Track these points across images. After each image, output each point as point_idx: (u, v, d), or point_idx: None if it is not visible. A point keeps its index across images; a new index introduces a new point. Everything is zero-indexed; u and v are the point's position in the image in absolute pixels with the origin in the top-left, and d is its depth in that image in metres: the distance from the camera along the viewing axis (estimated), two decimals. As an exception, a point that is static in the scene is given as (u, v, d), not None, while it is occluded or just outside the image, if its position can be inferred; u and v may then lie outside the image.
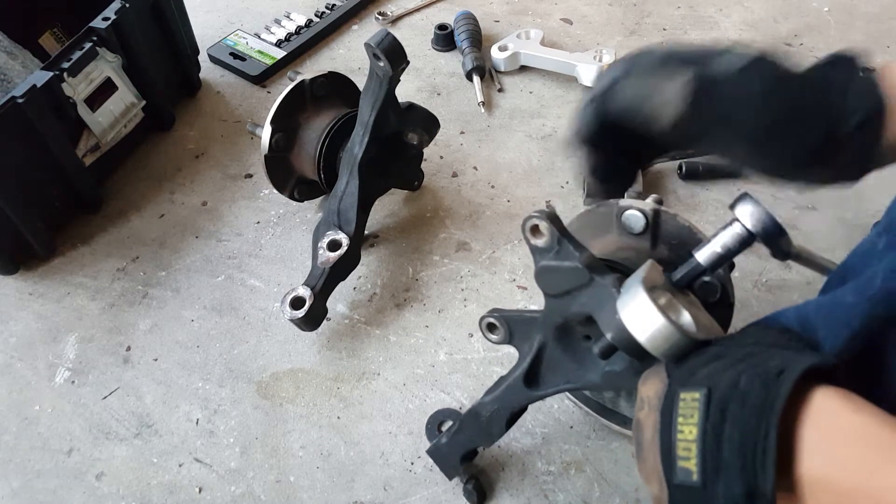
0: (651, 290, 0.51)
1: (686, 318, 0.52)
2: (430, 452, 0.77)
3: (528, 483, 0.78)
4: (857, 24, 1.35)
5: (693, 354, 0.50)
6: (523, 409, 0.72)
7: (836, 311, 0.57)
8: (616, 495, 0.77)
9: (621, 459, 0.79)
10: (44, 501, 0.78)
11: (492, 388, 0.71)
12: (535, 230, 0.60)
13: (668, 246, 0.69)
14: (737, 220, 0.52)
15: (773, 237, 0.52)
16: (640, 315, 0.50)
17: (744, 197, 0.53)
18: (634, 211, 0.69)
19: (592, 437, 0.81)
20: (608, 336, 0.54)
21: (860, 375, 0.54)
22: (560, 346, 0.65)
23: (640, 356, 0.52)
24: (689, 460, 0.44)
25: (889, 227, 0.56)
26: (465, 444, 0.74)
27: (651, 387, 0.52)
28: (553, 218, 0.59)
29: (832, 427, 0.42)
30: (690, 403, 0.45)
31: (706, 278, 0.64)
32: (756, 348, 0.49)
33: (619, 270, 0.64)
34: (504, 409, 0.70)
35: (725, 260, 0.54)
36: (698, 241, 0.66)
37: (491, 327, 0.71)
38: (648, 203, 0.69)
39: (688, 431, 0.45)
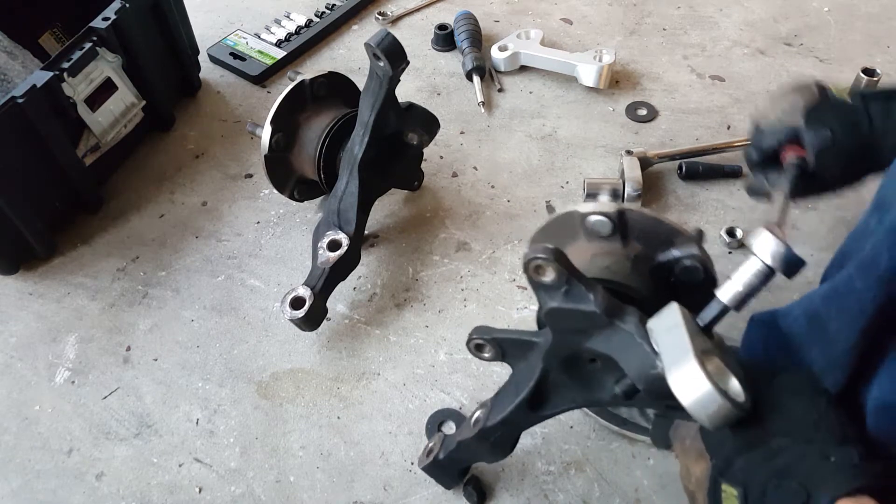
0: (701, 355, 0.50)
1: (734, 385, 0.50)
2: (427, 469, 0.76)
3: (528, 483, 0.78)
4: (857, 25, 1.34)
5: (730, 437, 0.50)
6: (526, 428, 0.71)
7: (847, 300, 0.56)
8: (616, 495, 0.77)
9: (621, 460, 0.79)
10: (44, 501, 0.78)
11: (494, 405, 0.69)
12: (540, 270, 0.56)
13: (639, 241, 0.68)
14: (756, 256, 0.52)
15: (794, 270, 0.52)
16: (691, 384, 0.49)
17: (761, 232, 0.52)
18: (599, 217, 0.67)
19: (592, 438, 0.81)
20: (639, 385, 0.53)
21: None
22: (566, 371, 0.63)
23: (672, 407, 0.51)
24: None
25: (879, 204, 0.56)
26: (468, 461, 0.74)
27: (696, 464, 0.54)
28: (560, 257, 0.55)
29: None
30: (731, 496, 0.49)
31: (687, 262, 0.64)
32: (789, 442, 0.48)
33: (624, 294, 0.63)
34: (511, 431, 0.69)
35: (749, 298, 0.54)
36: (667, 229, 0.65)
37: (479, 347, 0.69)
38: (609, 205, 0.68)
39: None
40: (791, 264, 0.52)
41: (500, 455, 0.71)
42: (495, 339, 0.67)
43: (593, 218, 0.67)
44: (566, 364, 0.62)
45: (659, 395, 0.51)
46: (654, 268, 0.66)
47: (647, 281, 0.65)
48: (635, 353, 0.54)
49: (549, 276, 0.56)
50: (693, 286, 0.64)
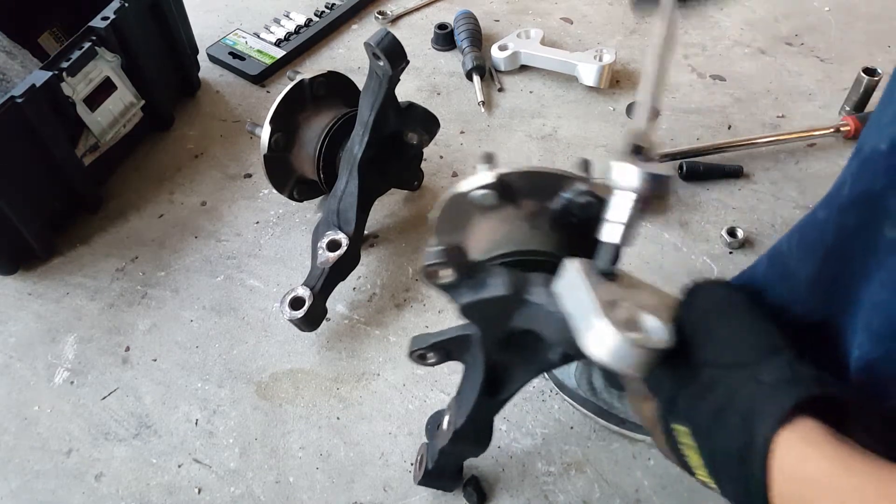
0: (608, 308, 0.48)
1: (651, 324, 0.49)
2: (423, 482, 0.76)
3: (528, 484, 0.78)
4: (857, 24, 1.34)
5: (667, 375, 0.49)
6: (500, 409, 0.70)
7: (808, 230, 0.55)
8: (616, 496, 0.76)
9: (621, 460, 0.79)
10: (43, 502, 0.78)
11: (458, 405, 0.69)
12: (438, 275, 0.55)
13: (529, 198, 0.65)
14: (621, 187, 0.51)
15: (664, 185, 0.51)
16: (601, 341, 0.47)
17: (616, 165, 0.52)
18: (480, 191, 0.64)
19: (593, 438, 0.81)
20: (567, 350, 0.53)
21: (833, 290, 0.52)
22: (508, 351, 0.62)
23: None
24: (705, 475, 0.48)
25: (856, 152, 0.54)
26: (456, 463, 0.74)
27: (644, 403, 0.53)
28: (451, 255, 0.54)
29: (798, 478, 0.41)
30: (684, 435, 0.48)
31: (581, 200, 0.61)
32: (721, 371, 0.46)
33: (531, 261, 0.60)
34: (482, 422, 0.69)
35: (633, 229, 0.52)
36: (551, 176, 0.62)
37: (422, 357, 0.68)
38: (485, 175, 0.64)
39: (695, 459, 0.48)
40: (658, 182, 0.51)
41: (482, 447, 0.71)
42: (433, 345, 0.66)
43: (476, 193, 0.64)
44: (505, 345, 0.62)
45: (588, 360, 0.51)
46: (552, 220, 0.63)
47: (552, 236, 0.63)
48: (551, 323, 0.53)
49: (447, 277, 0.55)
50: (597, 220, 0.62)
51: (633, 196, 0.51)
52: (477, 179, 0.64)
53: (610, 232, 0.53)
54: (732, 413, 0.44)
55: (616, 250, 0.53)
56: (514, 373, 0.65)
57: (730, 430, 0.44)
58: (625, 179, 0.52)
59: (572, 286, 0.51)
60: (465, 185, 0.65)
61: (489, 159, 0.66)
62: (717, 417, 0.45)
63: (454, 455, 0.72)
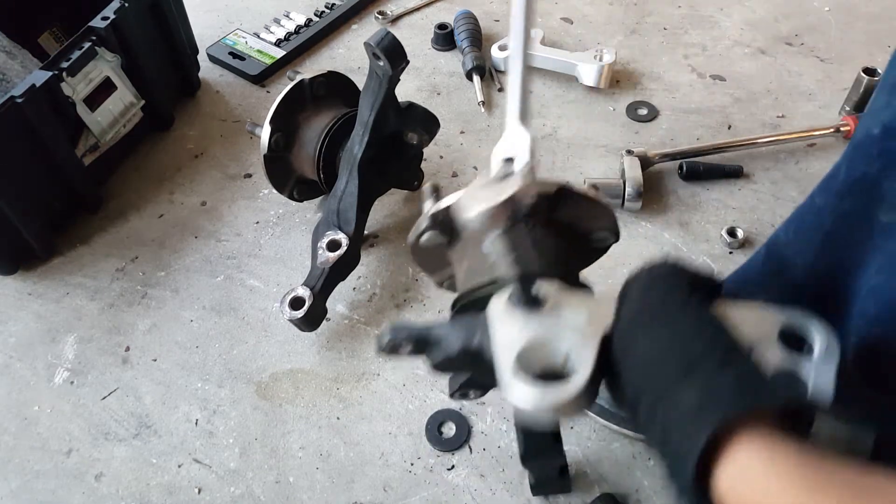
0: (519, 361, 0.45)
1: (571, 362, 0.45)
2: (535, 490, 0.74)
3: (527, 484, 0.77)
4: (857, 24, 1.34)
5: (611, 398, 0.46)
6: (557, 433, 0.68)
7: (806, 216, 0.54)
8: (616, 496, 0.76)
9: (621, 460, 0.79)
10: (43, 502, 0.78)
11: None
12: (395, 346, 0.54)
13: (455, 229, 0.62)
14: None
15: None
16: (523, 400, 0.45)
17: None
18: (424, 235, 0.62)
19: (593, 438, 0.81)
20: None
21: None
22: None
23: None
24: None
25: (851, 139, 0.54)
26: (549, 464, 0.69)
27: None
28: (398, 328, 0.53)
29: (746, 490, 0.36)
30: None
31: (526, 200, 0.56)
32: (646, 400, 0.41)
33: (486, 297, 0.55)
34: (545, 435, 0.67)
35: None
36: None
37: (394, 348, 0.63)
38: (421, 220, 0.62)
39: None
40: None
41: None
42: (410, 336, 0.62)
43: (423, 241, 0.62)
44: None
45: None
46: (503, 234, 0.59)
47: (513, 250, 0.58)
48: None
49: (404, 348, 0.54)
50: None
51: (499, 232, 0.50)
52: (417, 226, 0.62)
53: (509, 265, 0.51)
54: (666, 453, 0.40)
55: (525, 278, 0.50)
56: None
57: (665, 467, 0.40)
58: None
59: (492, 337, 0.49)
60: (411, 235, 0.63)
61: (434, 192, 0.63)
62: (659, 448, 0.41)
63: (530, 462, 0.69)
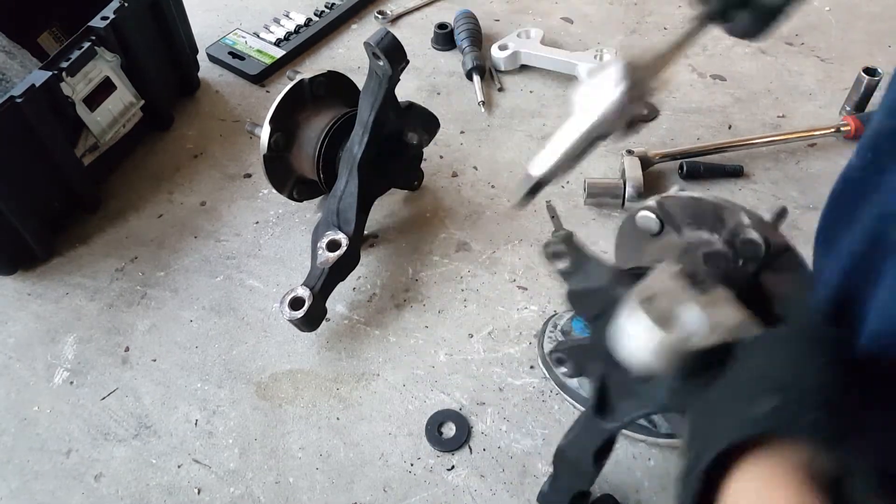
0: (644, 301, 0.48)
1: (692, 317, 0.48)
2: (539, 500, 0.75)
3: (528, 484, 0.78)
4: (858, 24, 1.34)
5: (694, 396, 0.47)
6: (609, 445, 0.67)
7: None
8: (616, 496, 0.76)
9: (622, 461, 0.79)
10: (42, 502, 0.78)
11: (572, 427, 0.68)
12: (557, 255, 0.59)
13: (689, 226, 0.65)
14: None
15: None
16: (634, 334, 0.48)
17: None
18: (643, 213, 0.66)
19: (593, 438, 0.81)
20: (627, 364, 0.52)
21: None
22: (621, 371, 0.59)
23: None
24: None
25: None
26: (569, 489, 0.71)
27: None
28: (569, 239, 0.58)
29: None
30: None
31: (745, 236, 0.59)
32: (721, 408, 0.43)
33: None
34: (586, 446, 0.66)
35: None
36: (710, 205, 0.62)
37: (560, 361, 0.68)
38: (650, 203, 0.67)
39: None
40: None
41: (584, 476, 0.69)
42: (569, 351, 0.66)
43: (639, 217, 0.67)
44: (616, 359, 0.60)
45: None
46: (707, 255, 0.63)
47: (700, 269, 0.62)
48: None
49: (563, 260, 0.58)
50: (756, 264, 0.60)
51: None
52: (644, 204, 0.67)
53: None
54: (688, 460, 0.42)
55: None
56: (625, 398, 0.62)
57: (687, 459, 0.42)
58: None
59: (641, 282, 0.52)
60: (635, 207, 0.68)
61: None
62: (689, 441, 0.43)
63: (556, 481, 0.71)
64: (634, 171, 1.02)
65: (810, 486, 0.37)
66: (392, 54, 0.80)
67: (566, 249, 0.58)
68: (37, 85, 0.89)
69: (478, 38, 1.28)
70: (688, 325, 0.48)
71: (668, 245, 0.66)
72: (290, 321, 0.85)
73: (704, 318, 0.48)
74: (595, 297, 0.57)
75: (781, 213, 0.63)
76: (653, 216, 0.66)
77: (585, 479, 0.69)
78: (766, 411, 0.39)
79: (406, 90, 1.22)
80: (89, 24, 0.98)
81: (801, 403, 0.39)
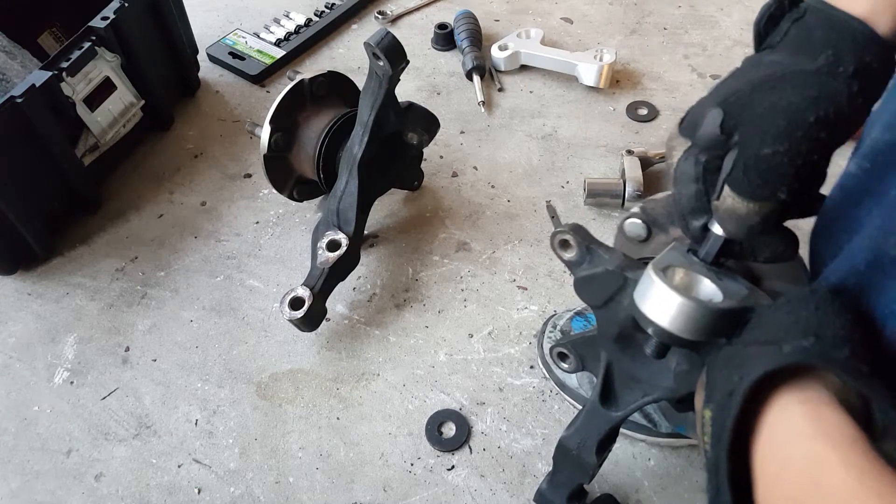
0: (664, 270, 0.50)
1: (706, 288, 0.50)
2: (536, 499, 0.75)
3: (528, 484, 0.78)
4: (858, 24, 1.34)
5: (716, 354, 0.48)
6: (612, 436, 0.68)
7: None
8: (616, 496, 0.76)
9: (622, 460, 0.79)
10: (43, 502, 0.78)
11: (574, 419, 0.68)
12: (565, 244, 0.60)
13: (675, 224, 0.65)
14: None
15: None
16: (655, 299, 0.49)
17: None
18: (631, 220, 0.67)
19: (593, 438, 0.81)
20: (649, 331, 0.52)
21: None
22: (627, 359, 0.62)
23: (684, 344, 0.50)
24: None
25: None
26: (567, 484, 0.71)
27: (698, 400, 0.51)
28: (577, 229, 0.59)
29: (782, 458, 0.41)
30: (706, 422, 0.46)
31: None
32: (752, 349, 0.45)
33: None
34: (589, 437, 0.67)
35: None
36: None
37: (562, 356, 0.69)
38: (634, 210, 0.68)
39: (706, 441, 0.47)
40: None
41: (586, 469, 0.69)
42: (572, 345, 0.68)
43: (626, 225, 0.68)
44: (623, 349, 0.62)
45: (665, 337, 0.51)
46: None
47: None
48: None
49: (571, 249, 0.60)
50: (776, 258, 0.61)
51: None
52: (630, 213, 0.68)
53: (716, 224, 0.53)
54: (724, 387, 0.44)
55: (720, 242, 0.53)
56: (630, 386, 0.63)
57: (718, 401, 0.44)
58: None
59: (655, 260, 0.53)
60: (621, 219, 0.69)
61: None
62: (715, 391, 0.45)
63: (556, 475, 0.71)
64: (634, 171, 1.02)
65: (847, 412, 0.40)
66: (392, 54, 0.80)
67: (574, 239, 0.59)
68: (37, 85, 0.89)
69: (478, 39, 1.28)
70: (704, 293, 0.50)
71: (660, 246, 0.66)
72: (290, 321, 0.85)
73: (717, 288, 0.50)
74: (604, 281, 0.58)
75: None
76: (639, 222, 0.67)
77: (586, 473, 0.69)
78: (802, 346, 0.42)
79: (406, 90, 1.22)
80: (89, 24, 0.98)
81: (834, 344, 0.42)
